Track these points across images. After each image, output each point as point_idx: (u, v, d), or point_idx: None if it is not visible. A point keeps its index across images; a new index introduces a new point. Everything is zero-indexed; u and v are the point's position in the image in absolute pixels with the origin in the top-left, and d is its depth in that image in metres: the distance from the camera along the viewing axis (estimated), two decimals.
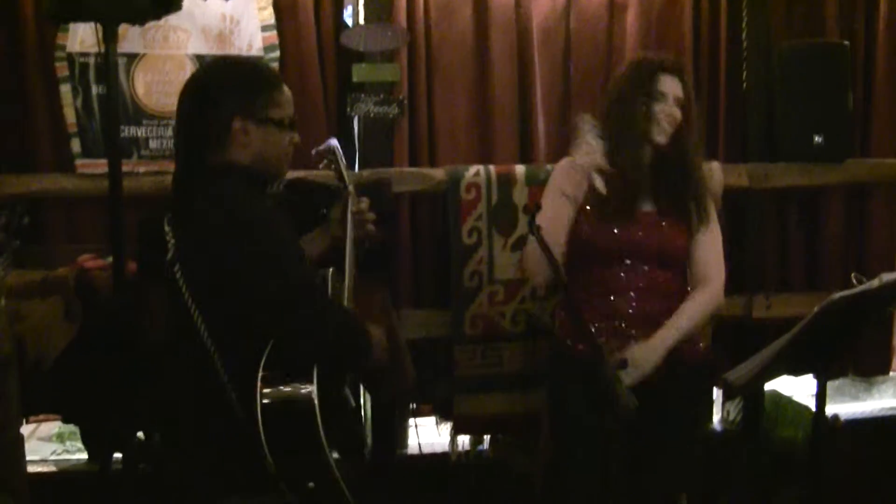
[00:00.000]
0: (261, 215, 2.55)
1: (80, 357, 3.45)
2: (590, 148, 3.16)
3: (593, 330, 3.16)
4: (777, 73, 4.51)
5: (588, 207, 3.26)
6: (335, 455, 2.49)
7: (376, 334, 2.81)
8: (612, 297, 3.24)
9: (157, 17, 3.47)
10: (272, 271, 2.48)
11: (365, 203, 3.13)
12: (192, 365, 2.59)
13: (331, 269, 2.86)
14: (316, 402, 2.45)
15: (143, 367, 3.31)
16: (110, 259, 3.55)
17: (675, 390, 3.15)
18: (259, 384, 2.45)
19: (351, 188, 3.11)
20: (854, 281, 2.69)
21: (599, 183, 3.11)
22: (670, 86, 3.23)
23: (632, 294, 3.23)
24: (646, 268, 3.23)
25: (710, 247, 3.29)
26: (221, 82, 2.71)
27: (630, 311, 3.21)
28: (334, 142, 3.19)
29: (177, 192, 2.72)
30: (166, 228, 2.65)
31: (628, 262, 3.24)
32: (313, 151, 3.19)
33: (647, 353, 3.05)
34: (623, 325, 3.21)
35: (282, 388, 2.48)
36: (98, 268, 3.69)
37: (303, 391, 2.46)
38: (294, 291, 2.50)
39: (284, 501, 2.49)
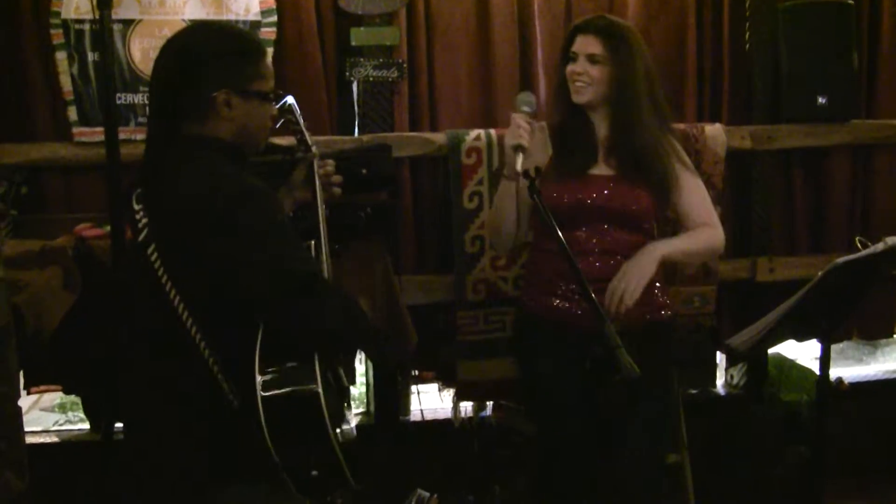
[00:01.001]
0: (251, 194, 2.38)
1: (80, 327, 3.43)
2: (514, 125, 3.11)
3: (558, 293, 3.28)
4: (781, 33, 4.44)
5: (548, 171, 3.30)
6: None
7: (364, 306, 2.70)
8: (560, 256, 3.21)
9: None
10: (270, 261, 2.34)
11: (331, 165, 3.05)
12: (173, 352, 2.45)
13: (311, 243, 2.77)
14: (322, 395, 2.35)
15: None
16: (108, 228, 3.53)
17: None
18: (258, 376, 2.34)
19: (314, 150, 3.01)
20: (858, 245, 2.66)
21: (519, 162, 3.03)
22: (582, 44, 3.27)
23: (592, 256, 3.25)
24: (606, 227, 3.26)
25: (692, 198, 3.33)
26: (207, 50, 2.52)
27: (593, 273, 3.17)
28: (290, 99, 3.01)
29: (147, 166, 2.57)
30: (136, 206, 2.51)
31: (587, 224, 3.27)
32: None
33: (640, 257, 3.09)
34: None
35: (283, 381, 2.37)
36: (96, 236, 3.66)
37: (307, 385, 2.36)
38: (294, 282, 2.35)
39: (284, 487, 2.41)
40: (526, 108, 3.17)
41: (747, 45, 4.50)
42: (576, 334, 3.21)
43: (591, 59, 3.24)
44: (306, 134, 3.02)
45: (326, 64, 4.19)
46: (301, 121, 3.01)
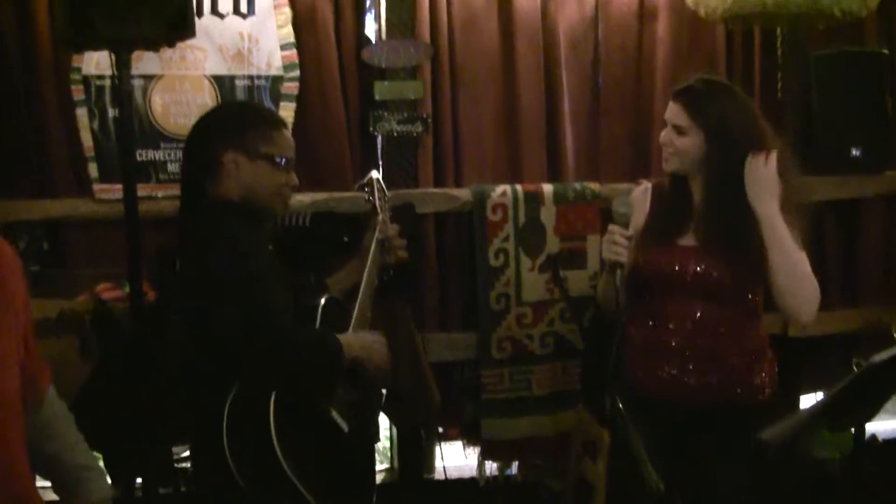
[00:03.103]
0: (231, 239, 2.61)
1: (99, 393, 3.39)
2: (609, 239, 2.97)
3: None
4: (814, 82, 4.35)
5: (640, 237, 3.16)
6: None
7: (376, 340, 2.85)
8: (656, 330, 3.13)
9: (171, 44, 3.39)
10: (231, 298, 2.51)
11: (394, 229, 3.18)
12: (192, 386, 2.71)
13: (324, 298, 2.88)
14: (272, 426, 2.46)
15: (162, 394, 3.29)
16: (127, 288, 3.49)
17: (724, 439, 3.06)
18: (227, 406, 2.50)
19: (382, 216, 3.15)
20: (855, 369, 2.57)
21: (618, 278, 2.92)
22: (671, 112, 3.12)
23: (671, 326, 3.11)
24: (692, 303, 3.10)
25: None
26: (218, 117, 2.84)
27: (673, 343, 3.09)
28: (376, 174, 3.25)
29: (179, 226, 2.85)
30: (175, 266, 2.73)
31: (672, 296, 3.12)
32: (356, 185, 3.30)
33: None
34: (668, 359, 3.10)
35: (244, 411, 2.51)
36: (115, 298, 3.61)
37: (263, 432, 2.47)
38: (250, 321, 2.49)
39: None
40: (621, 217, 3.00)
41: (779, 94, 4.42)
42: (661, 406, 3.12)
43: (677, 129, 3.08)
44: (379, 205, 3.19)
45: (350, 117, 4.14)
46: (377, 195, 3.21)
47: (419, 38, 4.08)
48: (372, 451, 3.13)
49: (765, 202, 2.93)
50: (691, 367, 3.06)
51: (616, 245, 2.95)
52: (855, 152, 4.33)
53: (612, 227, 3.00)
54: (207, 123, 2.81)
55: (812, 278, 2.99)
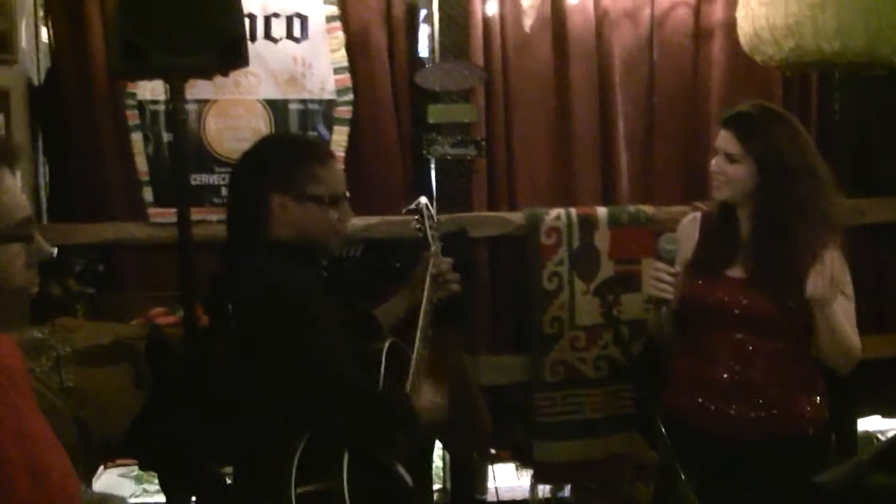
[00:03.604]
0: (295, 299, 2.53)
1: (153, 421, 3.41)
2: (654, 276, 2.98)
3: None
4: (871, 101, 4.29)
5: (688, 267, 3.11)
6: None
7: (436, 403, 2.80)
8: (703, 362, 3.09)
9: (224, 73, 3.40)
10: (307, 371, 2.47)
11: (447, 264, 3.12)
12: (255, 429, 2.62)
13: (389, 342, 2.82)
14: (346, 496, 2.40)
15: (216, 415, 3.27)
16: (181, 313, 3.51)
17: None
18: (293, 473, 2.42)
19: (434, 249, 3.10)
20: None
21: (663, 316, 2.97)
22: (722, 140, 3.04)
23: (718, 359, 3.07)
24: (739, 335, 3.05)
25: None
26: (262, 158, 2.73)
27: (719, 376, 3.05)
28: (424, 200, 3.18)
29: (228, 268, 2.75)
30: (227, 303, 2.67)
31: (719, 327, 3.08)
32: (404, 210, 3.24)
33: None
34: (715, 392, 3.06)
35: (314, 480, 2.43)
36: (169, 324, 3.63)
37: (334, 486, 2.41)
38: (327, 392, 2.47)
39: None
40: (667, 254, 2.99)
41: (836, 116, 4.35)
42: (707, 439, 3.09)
43: (729, 157, 3.01)
44: (429, 234, 3.13)
45: (402, 141, 4.13)
46: (428, 221, 3.14)
47: (472, 61, 4.06)
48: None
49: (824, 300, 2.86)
50: (738, 400, 3.01)
51: (661, 282, 2.95)
52: None
53: (657, 264, 2.98)
54: (251, 164, 2.75)
55: (854, 342, 2.96)
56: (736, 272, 3.06)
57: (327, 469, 2.43)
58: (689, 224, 3.24)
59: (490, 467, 4.36)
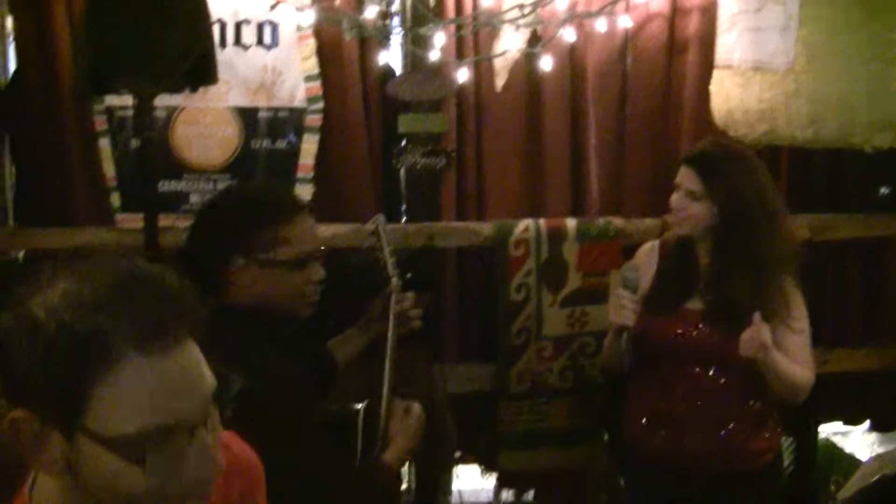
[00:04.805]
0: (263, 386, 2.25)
1: None
2: (617, 304, 3.07)
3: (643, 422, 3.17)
4: None
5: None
6: None
7: (410, 448, 2.74)
8: (661, 395, 3.14)
9: (194, 89, 3.35)
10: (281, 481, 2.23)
11: (409, 301, 3.03)
12: None
13: (362, 407, 2.72)
14: None
15: None
16: None
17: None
18: None
19: (394, 282, 3.01)
20: None
21: (624, 340, 3.06)
22: (683, 177, 3.13)
23: (674, 391, 3.13)
24: (696, 369, 3.10)
25: (787, 348, 3.04)
26: (223, 215, 2.52)
27: (675, 408, 3.10)
28: (381, 219, 3.07)
29: None
30: None
31: (674, 361, 3.12)
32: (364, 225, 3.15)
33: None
34: (672, 424, 3.11)
35: None
36: None
37: None
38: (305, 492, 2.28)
39: None
40: (630, 283, 3.07)
41: None
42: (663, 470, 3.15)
43: (691, 195, 3.08)
44: (389, 261, 3.02)
45: (372, 151, 4.10)
46: (385, 246, 3.03)
47: (444, 71, 4.04)
48: None
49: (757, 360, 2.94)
50: (694, 433, 3.08)
51: (624, 309, 3.02)
52: (883, 190, 4.29)
53: (620, 291, 3.04)
54: (212, 222, 2.52)
55: (800, 379, 3.05)
56: (694, 304, 3.11)
57: None
58: (648, 252, 3.30)
59: (455, 470, 4.38)
